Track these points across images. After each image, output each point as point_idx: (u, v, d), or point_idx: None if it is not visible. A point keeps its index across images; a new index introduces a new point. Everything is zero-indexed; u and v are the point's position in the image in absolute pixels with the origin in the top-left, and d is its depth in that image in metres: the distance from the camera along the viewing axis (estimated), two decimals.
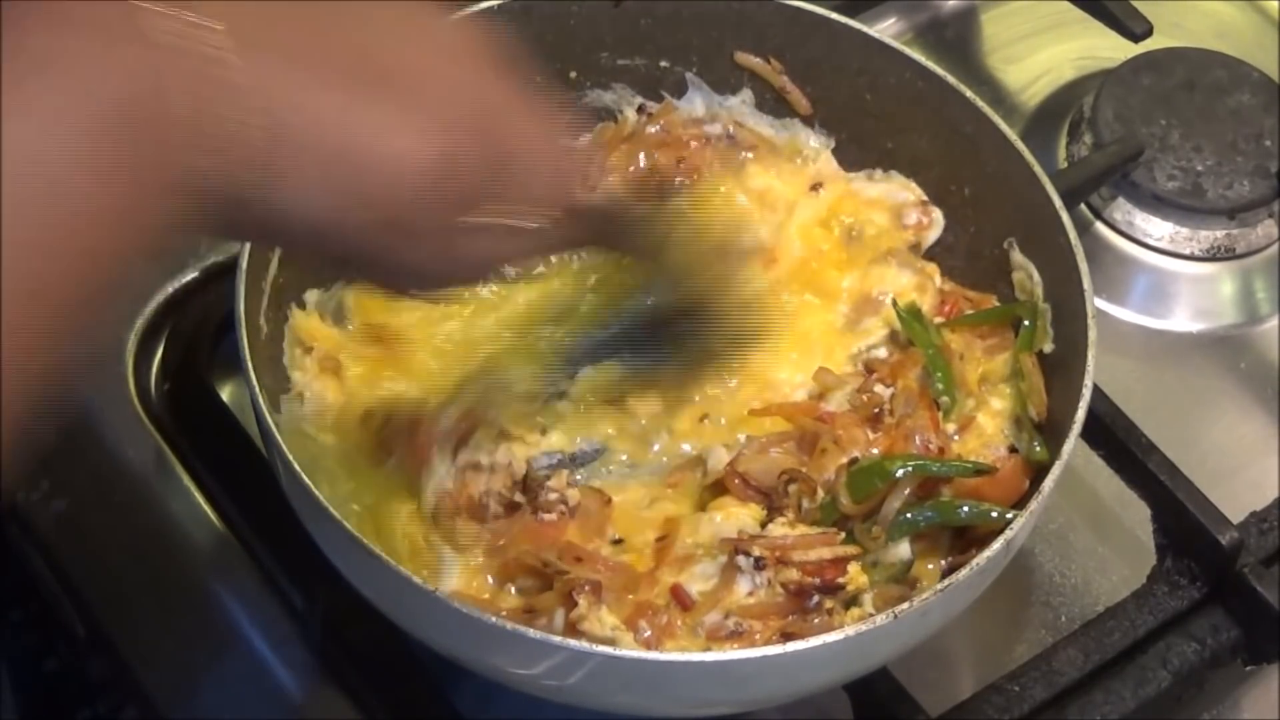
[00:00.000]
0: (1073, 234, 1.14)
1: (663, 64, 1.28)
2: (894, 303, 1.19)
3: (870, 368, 1.17)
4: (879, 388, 1.14)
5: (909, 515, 1.07)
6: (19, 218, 0.66)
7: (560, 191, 0.92)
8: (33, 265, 0.67)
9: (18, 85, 0.67)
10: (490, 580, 1.07)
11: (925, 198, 1.25)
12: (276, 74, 0.76)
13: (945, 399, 1.13)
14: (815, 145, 1.28)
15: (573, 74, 1.27)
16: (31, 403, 0.68)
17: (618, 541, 1.10)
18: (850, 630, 0.97)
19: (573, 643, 0.96)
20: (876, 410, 1.12)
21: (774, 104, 1.29)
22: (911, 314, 1.17)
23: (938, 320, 1.19)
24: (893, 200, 1.25)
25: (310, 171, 0.78)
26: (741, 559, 1.04)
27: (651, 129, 1.27)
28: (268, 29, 0.77)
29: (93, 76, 0.69)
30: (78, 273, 0.69)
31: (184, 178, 0.72)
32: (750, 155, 1.28)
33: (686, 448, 1.15)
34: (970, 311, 1.20)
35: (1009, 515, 1.05)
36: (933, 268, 1.23)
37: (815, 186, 1.26)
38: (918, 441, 1.10)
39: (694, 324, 1.11)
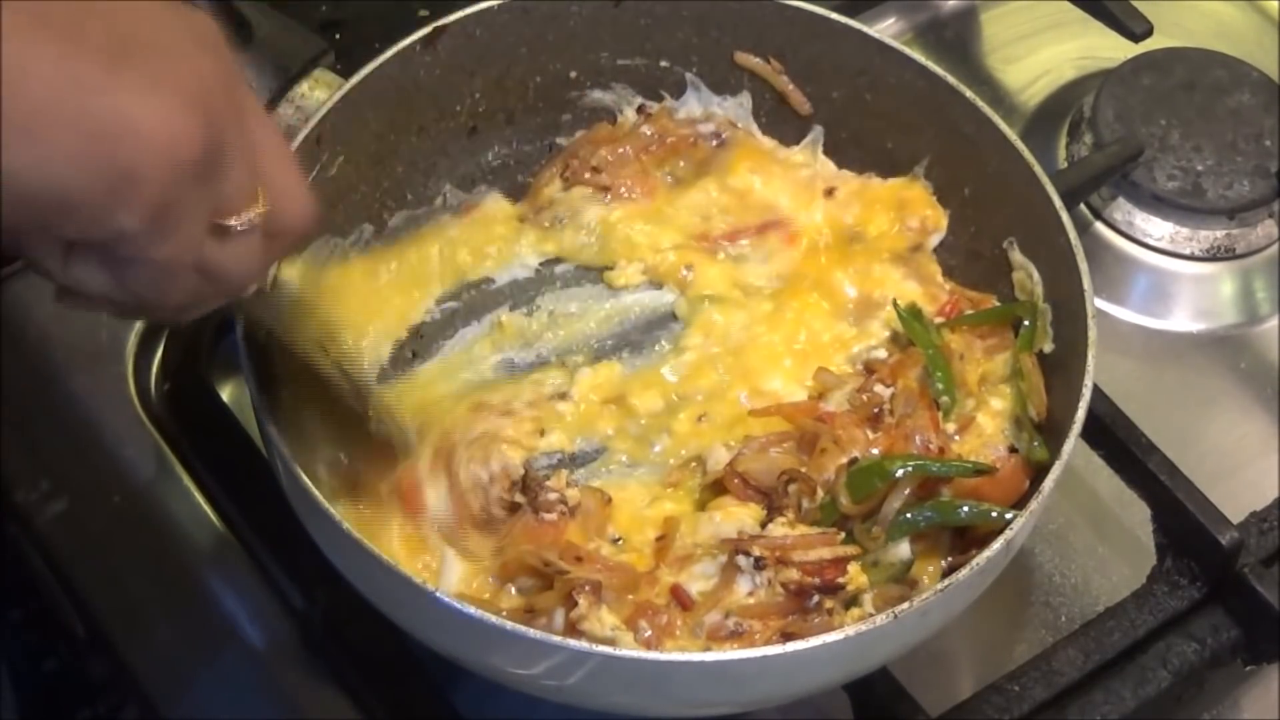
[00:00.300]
0: (1073, 234, 1.14)
1: (663, 64, 1.28)
2: (894, 303, 1.18)
3: (870, 368, 1.17)
4: (879, 388, 1.13)
5: (909, 515, 1.07)
6: None
7: (290, 194, 0.91)
8: None
9: None
10: (490, 580, 1.07)
11: (932, 198, 1.25)
12: (31, 35, 0.75)
13: (945, 399, 1.13)
14: (805, 152, 1.28)
15: (573, 74, 1.27)
16: None
17: (617, 541, 1.10)
18: (850, 630, 0.97)
19: (573, 643, 0.96)
20: (876, 410, 1.12)
21: (774, 105, 1.29)
22: (911, 314, 1.17)
23: (938, 320, 1.19)
24: (898, 199, 1.25)
25: (62, 136, 0.77)
26: (741, 559, 1.04)
27: (646, 130, 1.27)
28: None
29: None
30: None
31: None
32: (737, 156, 1.28)
33: (686, 449, 1.15)
34: (970, 311, 1.20)
35: (1009, 515, 1.05)
36: (934, 268, 1.23)
37: (829, 191, 1.26)
38: (918, 441, 1.10)
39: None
